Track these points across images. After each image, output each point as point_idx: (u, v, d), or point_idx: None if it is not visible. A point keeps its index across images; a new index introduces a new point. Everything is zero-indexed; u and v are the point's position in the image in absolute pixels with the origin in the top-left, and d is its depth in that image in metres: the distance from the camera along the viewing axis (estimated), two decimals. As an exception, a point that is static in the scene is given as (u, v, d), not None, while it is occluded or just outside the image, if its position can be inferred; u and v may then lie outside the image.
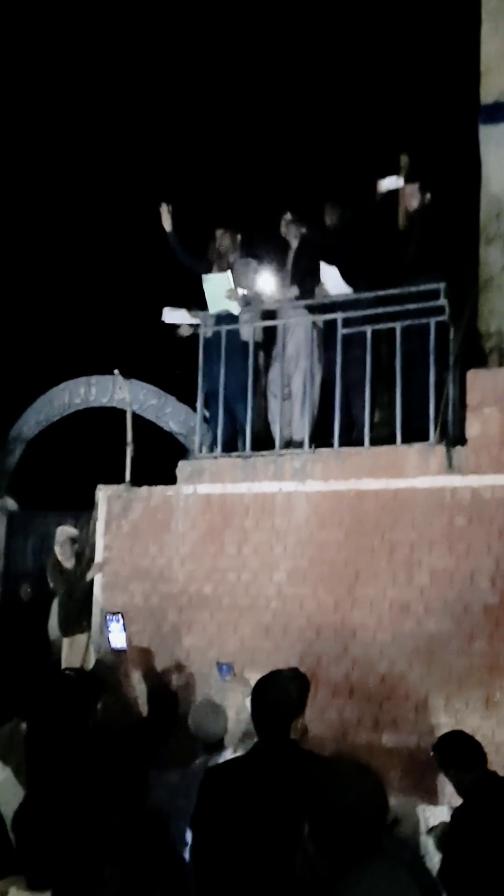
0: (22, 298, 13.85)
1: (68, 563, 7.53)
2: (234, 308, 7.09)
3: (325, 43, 12.99)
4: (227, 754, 4.56)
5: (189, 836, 3.02)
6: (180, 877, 1.98)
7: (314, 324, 6.97)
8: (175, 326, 7.59)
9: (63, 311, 13.74)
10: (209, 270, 7.35)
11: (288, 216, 7.36)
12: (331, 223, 7.29)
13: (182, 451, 8.95)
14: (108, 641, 6.17)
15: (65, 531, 7.73)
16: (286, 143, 12.78)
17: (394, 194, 7.33)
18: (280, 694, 3.11)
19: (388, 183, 7.04)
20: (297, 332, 7.04)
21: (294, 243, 7.36)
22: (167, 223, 7.49)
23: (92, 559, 7.30)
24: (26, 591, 9.00)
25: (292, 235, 7.36)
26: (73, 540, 7.63)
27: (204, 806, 2.89)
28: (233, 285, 7.04)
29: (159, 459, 7.74)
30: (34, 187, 13.97)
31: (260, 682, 3.17)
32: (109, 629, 6.20)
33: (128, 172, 13.50)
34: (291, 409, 7.07)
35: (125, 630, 6.26)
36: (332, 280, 6.83)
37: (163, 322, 7.53)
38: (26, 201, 13.84)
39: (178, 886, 1.96)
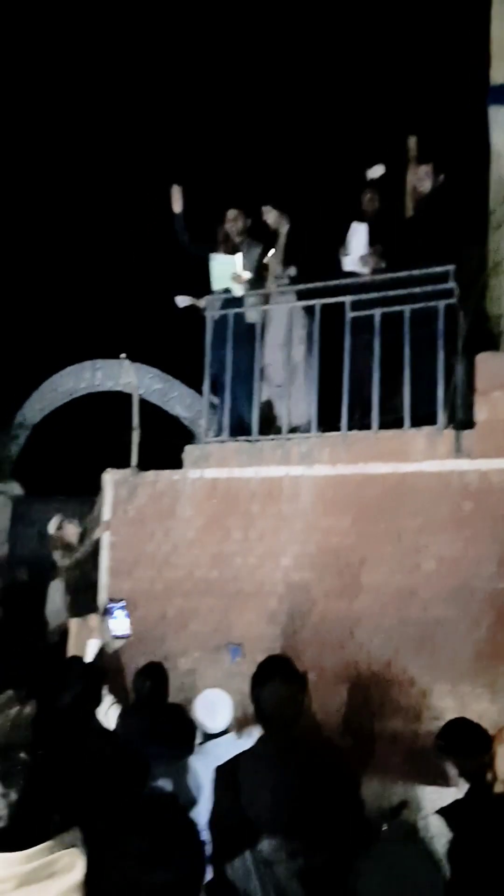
0: (26, 283, 13.82)
1: (73, 540, 7.56)
2: (238, 289, 7.07)
3: (336, 25, 12.89)
4: (229, 739, 4.56)
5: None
6: (198, 851, 1.99)
7: (305, 308, 6.95)
8: (184, 308, 7.56)
9: (68, 296, 13.70)
10: (214, 252, 7.33)
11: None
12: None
13: (188, 436, 8.91)
14: (110, 628, 6.13)
15: (52, 522, 7.80)
16: (294, 125, 12.69)
17: (402, 177, 7.27)
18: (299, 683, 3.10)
19: (375, 171, 7.00)
20: (282, 315, 7.04)
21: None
22: (177, 204, 7.39)
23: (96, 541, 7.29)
24: (23, 574, 8.98)
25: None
26: (59, 526, 7.68)
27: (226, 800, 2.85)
28: (240, 269, 7.01)
29: (165, 444, 7.70)
30: (37, 172, 13.91)
31: (276, 671, 3.13)
32: (112, 615, 6.16)
33: (130, 155, 13.43)
34: (292, 393, 7.04)
35: (128, 616, 6.18)
36: (357, 240, 6.85)
37: (175, 306, 7.52)
38: (29, 187, 13.78)
39: (196, 859, 1.97)
